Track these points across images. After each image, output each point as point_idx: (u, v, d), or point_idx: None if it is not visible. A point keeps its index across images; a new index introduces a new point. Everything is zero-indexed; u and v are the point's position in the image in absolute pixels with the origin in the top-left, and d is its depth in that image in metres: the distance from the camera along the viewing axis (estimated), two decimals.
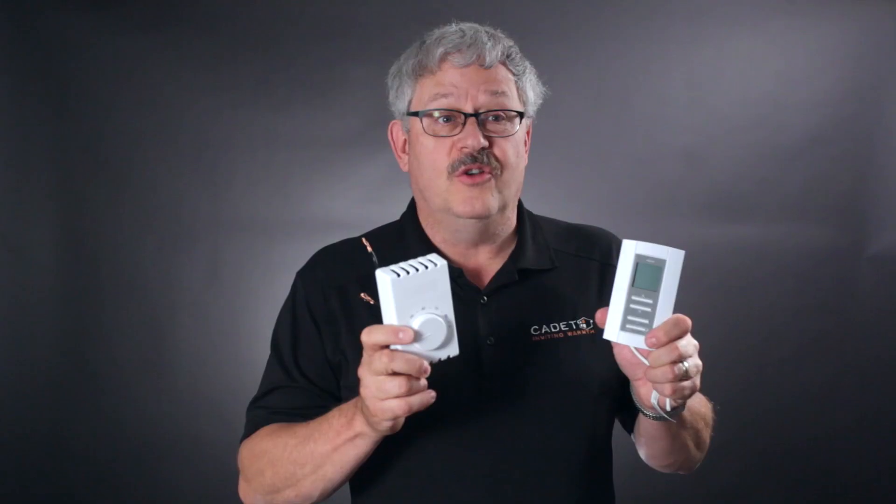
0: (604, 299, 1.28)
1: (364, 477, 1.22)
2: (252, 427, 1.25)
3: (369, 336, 1.00)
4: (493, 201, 1.20)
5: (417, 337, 0.99)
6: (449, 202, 1.20)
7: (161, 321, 2.63)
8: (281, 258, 2.56)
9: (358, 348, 1.24)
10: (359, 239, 1.31)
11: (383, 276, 0.99)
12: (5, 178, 2.55)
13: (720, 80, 2.74)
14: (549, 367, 1.20)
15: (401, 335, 0.98)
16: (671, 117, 2.73)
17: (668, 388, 1.04)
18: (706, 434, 1.31)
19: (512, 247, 1.28)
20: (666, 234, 2.67)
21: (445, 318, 1.02)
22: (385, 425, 1.03)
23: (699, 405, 1.28)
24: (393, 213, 1.37)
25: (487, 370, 1.19)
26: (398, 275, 0.99)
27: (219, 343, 2.64)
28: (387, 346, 1.00)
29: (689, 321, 1.04)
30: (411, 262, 1.01)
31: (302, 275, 1.30)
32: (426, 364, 1.00)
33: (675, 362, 1.02)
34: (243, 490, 1.25)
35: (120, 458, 2.59)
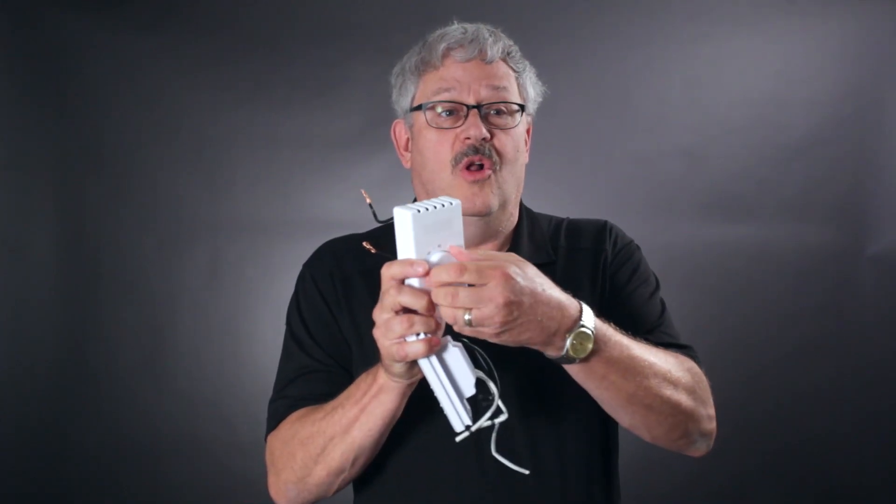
0: (597, 285, 1.28)
1: (366, 476, 1.21)
2: (276, 420, 1.23)
3: (388, 269, 0.98)
4: (494, 199, 1.22)
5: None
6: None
7: (161, 321, 2.63)
8: (281, 258, 2.56)
9: (359, 341, 1.23)
10: (363, 235, 1.33)
11: (404, 213, 0.97)
12: (5, 178, 2.55)
13: (720, 80, 2.74)
14: (550, 361, 1.20)
15: (416, 267, 0.96)
16: (671, 117, 2.73)
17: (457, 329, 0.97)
18: (671, 392, 1.13)
19: (510, 242, 1.30)
20: (666, 234, 2.67)
21: None
22: (397, 368, 1.02)
23: (648, 356, 1.12)
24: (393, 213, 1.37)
25: (487, 365, 1.19)
26: (419, 211, 0.97)
27: (219, 343, 2.64)
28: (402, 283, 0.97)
29: (460, 267, 0.95)
30: (426, 202, 1.00)
31: (309, 265, 1.33)
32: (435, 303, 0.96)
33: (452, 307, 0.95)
34: (274, 487, 1.21)
35: (120, 458, 2.59)
